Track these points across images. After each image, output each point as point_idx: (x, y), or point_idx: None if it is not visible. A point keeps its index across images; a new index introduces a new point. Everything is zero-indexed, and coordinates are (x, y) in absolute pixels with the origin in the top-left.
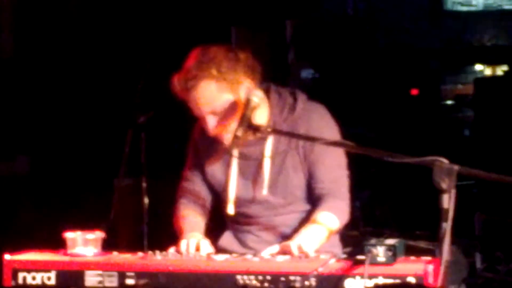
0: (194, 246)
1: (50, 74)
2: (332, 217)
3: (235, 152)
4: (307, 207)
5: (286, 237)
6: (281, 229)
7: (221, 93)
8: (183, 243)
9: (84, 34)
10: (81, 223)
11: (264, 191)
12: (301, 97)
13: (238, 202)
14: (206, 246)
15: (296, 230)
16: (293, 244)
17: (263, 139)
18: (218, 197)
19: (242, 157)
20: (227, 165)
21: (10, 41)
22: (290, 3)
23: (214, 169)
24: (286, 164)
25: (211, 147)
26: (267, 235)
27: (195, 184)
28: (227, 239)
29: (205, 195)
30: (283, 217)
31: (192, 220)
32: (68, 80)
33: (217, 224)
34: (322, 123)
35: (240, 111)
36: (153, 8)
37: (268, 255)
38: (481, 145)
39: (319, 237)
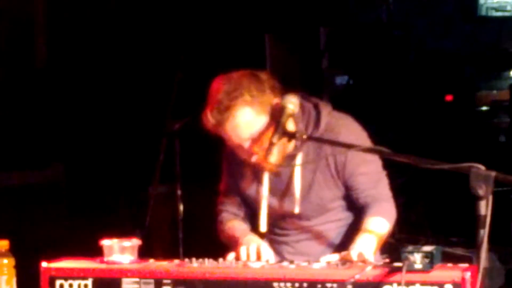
0: (255, 252)
1: (84, 82)
2: (381, 221)
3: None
4: (342, 215)
5: (321, 248)
6: (316, 240)
7: (258, 116)
8: (242, 250)
9: (118, 42)
10: (116, 230)
11: (296, 209)
12: (325, 111)
13: (271, 218)
14: (267, 250)
15: (332, 240)
16: (353, 252)
17: (293, 157)
18: (253, 211)
19: (273, 173)
20: (259, 182)
21: (44, 51)
22: (323, 10)
23: (246, 185)
24: (316, 179)
25: (242, 164)
26: (302, 246)
27: (232, 198)
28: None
29: (242, 207)
30: (317, 228)
31: (241, 227)
32: (102, 89)
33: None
34: (350, 136)
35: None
36: (187, 16)
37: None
38: None
39: (372, 245)
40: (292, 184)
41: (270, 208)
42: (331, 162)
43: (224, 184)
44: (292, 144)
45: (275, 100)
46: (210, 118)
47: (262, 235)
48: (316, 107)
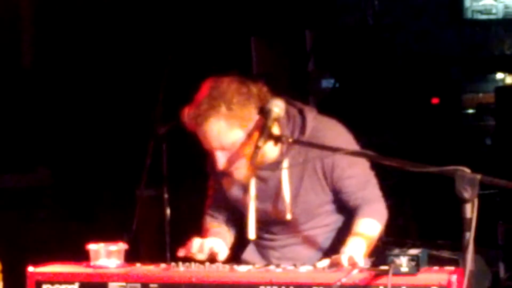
0: (197, 246)
1: (70, 85)
2: (372, 223)
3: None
4: (330, 220)
5: (309, 253)
6: (304, 245)
7: (231, 130)
8: (195, 241)
9: (104, 45)
10: (103, 234)
11: (288, 216)
12: (310, 115)
13: (259, 223)
14: (214, 245)
15: (320, 245)
16: (344, 256)
17: (278, 163)
18: (241, 217)
19: (260, 179)
20: (245, 189)
21: (30, 53)
22: (309, 12)
23: (233, 192)
24: (304, 185)
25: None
26: (289, 251)
27: (218, 203)
28: (250, 253)
29: (229, 213)
30: (305, 234)
31: (215, 230)
32: (89, 91)
33: (241, 238)
34: (336, 140)
35: (249, 146)
36: (173, 19)
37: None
38: (503, 154)
39: (362, 248)
40: (281, 191)
41: (259, 214)
42: (318, 167)
43: (211, 189)
44: (277, 150)
45: (256, 116)
46: (186, 116)
47: (248, 240)
48: (301, 112)
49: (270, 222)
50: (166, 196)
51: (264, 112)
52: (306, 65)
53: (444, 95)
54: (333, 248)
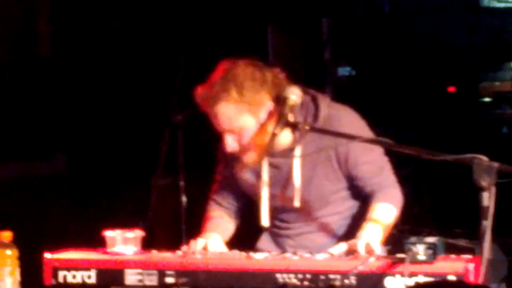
0: (201, 246)
1: (87, 73)
2: (388, 208)
3: (265, 163)
4: (344, 206)
5: (324, 240)
6: (318, 233)
7: (240, 115)
8: (192, 243)
9: (122, 34)
10: (119, 221)
11: (296, 203)
12: (323, 103)
13: (272, 211)
14: (215, 246)
15: (334, 232)
16: (361, 242)
17: (291, 149)
18: (253, 204)
19: (272, 166)
20: (257, 175)
21: (48, 42)
22: (326, 1)
23: (245, 179)
24: (317, 172)
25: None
26: (304, 239)
27: (225, 189)
28: (264, 241)
29: (235, 200)
30: (319, 221)
31: (215, 221)
32: (106, 79)
33: (256, 227)
34: (350, 127)
35: (259, 132)
36: (190, 7)
37: (336, 253)
38: None
39: (378, 235)
40: (292, 178)
41: (271, 202)
42: (332, 155)
43: (219, 175)
44: (290, 137)
45: (270, 103)
46: (199, 95)
47: (263, 229)
48: (314, 99)
49: (282, 210)
50: (182, 184)
51: (280, 99)
52: (322, 54)
53: (461, 84)
54: (348, 235)
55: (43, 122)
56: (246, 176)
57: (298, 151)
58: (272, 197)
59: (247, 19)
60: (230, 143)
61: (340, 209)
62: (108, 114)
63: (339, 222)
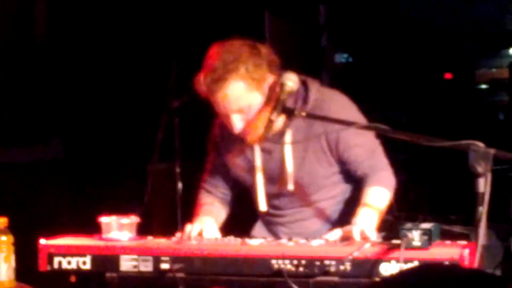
0: (197, 231)
1: (83, 58)
2: (381, 191)
3: (257, 148)
4: (337, 191)
5: (318, 226)
6: (312, 219)
7: (249, 92)
8: (187, 227)
9: (118, 19)
10: (115, 207)
11: (290, 186)
12: (313, 87)
13: (266, 197)
14: (210, 231)
15: (328, 218)
16: (356, 228)
17: (282, 134)
18: (247, 192)
19: (264, 151)
20: (249, 161)
21: (44, 26)
22: None
23: (237, 165)
24: (308, 157)
25: (232, 144)
26: (298, 226)
27: (215, 178)
28: (258, 229)
29: (226, 188)
30: (312, 206)
31: (207, 207)
32: (102, 64)
33: (249, 215)
34: (340, 111)
35: (264, 108)
36: None
37: (331, 239)
38: None
39: (373, 220)
40: (284, 162)
41: (264, 188)
42: (323, 139)
43: (210, 164)
44: (280, 121)
45: (270, 78)
46: (202, 83)
47: (258, 215)
48: (304, 83)
49: (276, 195)
50: (178, 170)
51: (275, 86)
52: (319, 40)
53: (457, 71)
54: (342, 220)
55: (39, 107)
56: (238, 162)
57: (288, 135)
58: (266, 182)
59: (244, 4)
60: (238, 125)
61: (333, 193)
62: (104, 100)
63: (332, 207)
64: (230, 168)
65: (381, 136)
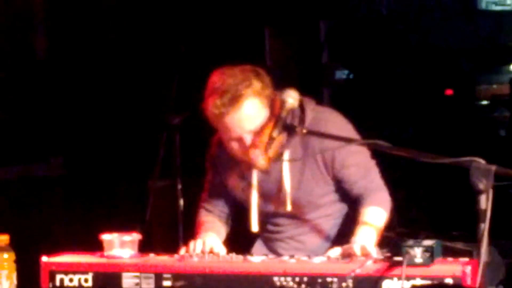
0: (200, 247)
1: (83, 75)
2: (378, 211)
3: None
4: (334, 208)
5: (317, 242)
6: (311, 235)
7: (262, 109)
8: (191, 244)
9: (118, 36)
10: (116, 224)
11: (288, 207)
12: (309, 107)
13: (262, 216)
14: (215, 244)
15: (326, 234)
16: (356, 245)
17: (280, 154)
18: (242, 210)
19: (262, 171)
20: (247, 181)
21: (44, 43)
22: (323, 3)
23: (234, 184)
24: (305, 177)
25: (229, 163)
26: (296, 242)
27: (214, 197)
28: (258, 247)
29: (225, 207)
30: (310, 224)
31: (208, 225)
32: (102, 82)
33: (249, 233)
34: (336, 130)
35: (265, 126)
36: (187, 9)
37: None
38: None
39: (372, 238)
40: (282, 182)
41: (261, 207)
42: (319, 158)
43: (208, 183)
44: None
45: (273, 95)
46: (213, 108)
47: (255, 234)
48: (300, 102)
49: (273, 214)
50: (179, 186)
51: (276, 103)
52: (320, 56)
53: (458, 87)
54: (340, 236)
55: (41, 125)
56: (236, 181)
57: (286, 155)
58: (263, 202)
59: (244, 21)
60: (249, 142)
61: (330, 211)
62: (105, 116)
63: (330, 224)
64: (228, 187)
65: (379, 154)
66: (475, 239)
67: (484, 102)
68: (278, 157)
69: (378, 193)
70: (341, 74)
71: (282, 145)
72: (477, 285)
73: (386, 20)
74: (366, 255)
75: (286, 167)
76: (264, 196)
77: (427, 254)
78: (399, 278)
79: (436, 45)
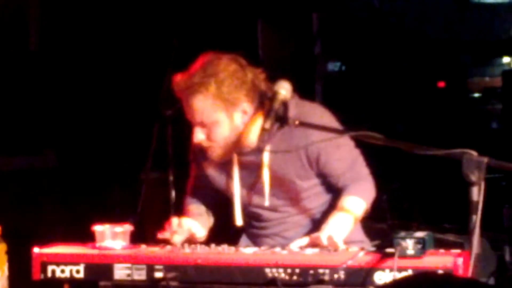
0: (176, 224)
1: (76, 67)
2: (358, 201)
3: (235, 162)
4: (319, 202)
5: (301, 236)
6: (296, 230)
7: (214, 111)
8: (168, 223)
9: (111, 29)
10: (108, 216)
11: (266, 202)
12: (291, 103)
13: (246, 210)
14: (192, 226)
15: (311, 227)
16: (323, 235)
17: (261, 149)
18: (226, 204)
19: (242, 166)
20: (228, 175)
21: (36, 35)
22: None
23: (215, 179)
24: (287, 172)
25: (209, 157)
26: (281, 239)
27: (199, 189)
28: (243, 244)
29: (210, 198)
30: (294, 218)
31: (194, 212)
32: (95, 74)
33: (234, 229)
34: (321, 122)
35: (229, 132)
36: (179, 1)
37: (297, 248)
38: (509, 137)
39: (347, 225)
40: (261, 178)
41: (242, 201)
42: (302, 154)
43: (192, 177)
44: (256, 137)
45: (246, 105)
46: (177, 83)
47: (241, 230)
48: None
49: (256, 209)
50: (171, 178)
51: (270, 94)
52: (312, 48)
53: (450, 79)
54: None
55: (33, 117)
56: (217, 176)
57: (268, 148)
58: (244, 197)
59: (236, 13)
60: (198, 136)
61: (314, 204)
62: (97, 109)
63: (315, 217)
64: (209, 179)
65: (370, 146)
66: (467, 231)
67: (477, 95)
68: (260, 152)
69: (361, 183)
70: (334, 66)
71: (262, 140)
72: (469, 277)
73: (379, 13)
74: (332, 245)
75: (265, 162)
76: (245, 191)
77: (419, 246)
78: (391, 269)
79: (429, 37)
